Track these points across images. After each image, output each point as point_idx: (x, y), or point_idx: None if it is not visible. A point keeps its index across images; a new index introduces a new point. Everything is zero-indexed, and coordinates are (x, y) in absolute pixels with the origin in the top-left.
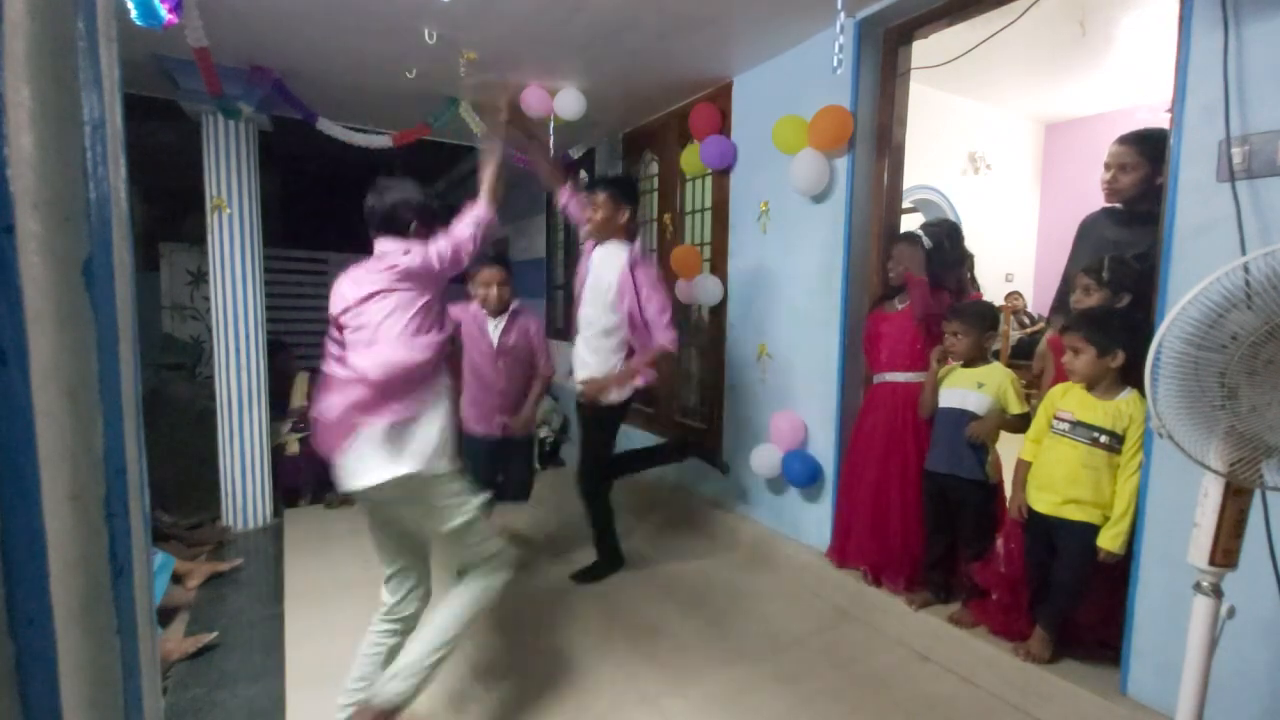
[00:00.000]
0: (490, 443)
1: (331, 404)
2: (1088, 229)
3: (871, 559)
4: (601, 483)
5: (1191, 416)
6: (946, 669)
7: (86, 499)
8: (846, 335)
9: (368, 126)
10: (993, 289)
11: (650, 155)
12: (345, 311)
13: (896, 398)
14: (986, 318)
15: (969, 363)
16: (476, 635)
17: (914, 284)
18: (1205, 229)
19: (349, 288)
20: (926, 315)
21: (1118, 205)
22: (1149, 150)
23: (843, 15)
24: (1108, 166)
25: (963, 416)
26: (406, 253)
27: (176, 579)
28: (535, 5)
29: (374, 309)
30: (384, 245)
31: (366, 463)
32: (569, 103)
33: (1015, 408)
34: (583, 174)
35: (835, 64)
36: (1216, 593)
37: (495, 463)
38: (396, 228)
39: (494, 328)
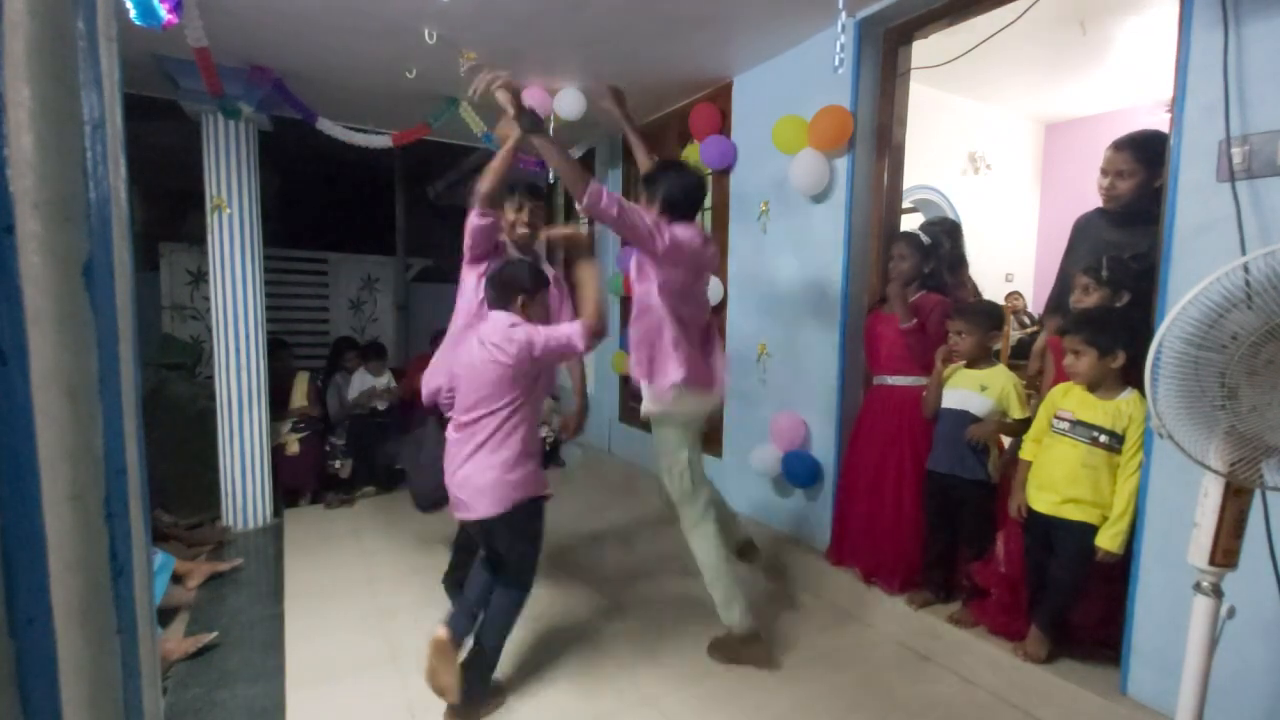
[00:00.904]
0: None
1: (716, 365)
2: (1083, 229)
3: (865, 561)
4: None
5: (1191, 416)
6: (946, 669)
7: (86, 499)
8: (846, 335)
9: (368, 126)
10: (993, 289)
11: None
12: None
13: (893, 402)
14: (991, 317)
15: (973, 363)
16: None
17: (924, 309)
18: (1205, 229)
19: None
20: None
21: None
22: (1145, 155)
23: (844, 15)
24: (1104, 172)
25: (964, 418)
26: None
27: (176, 579)
28: (535, 5)
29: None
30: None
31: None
32: (569, 102)
33: (1017, 412)
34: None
35: (837, 63)
36: (1216, 593)
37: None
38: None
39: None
